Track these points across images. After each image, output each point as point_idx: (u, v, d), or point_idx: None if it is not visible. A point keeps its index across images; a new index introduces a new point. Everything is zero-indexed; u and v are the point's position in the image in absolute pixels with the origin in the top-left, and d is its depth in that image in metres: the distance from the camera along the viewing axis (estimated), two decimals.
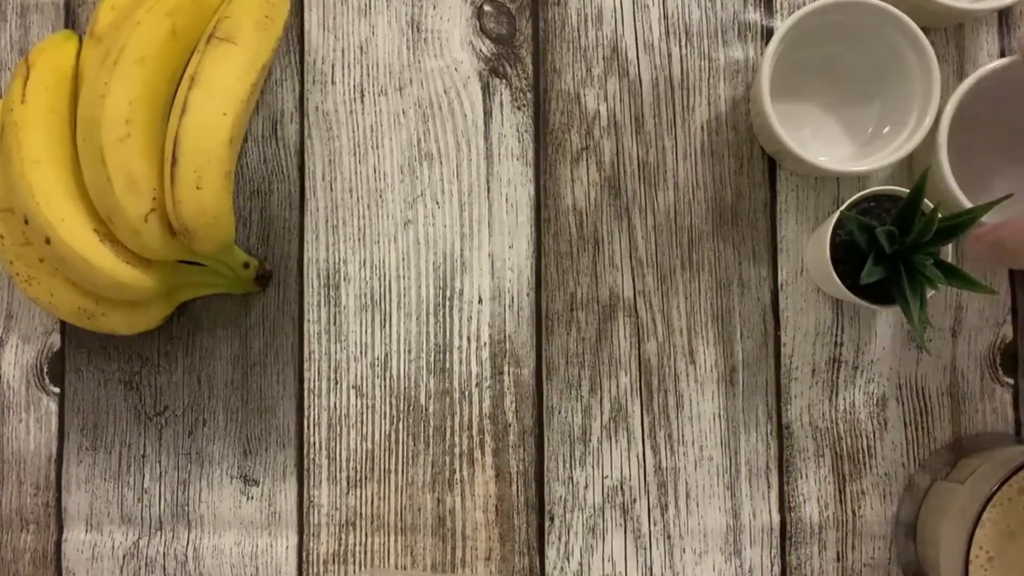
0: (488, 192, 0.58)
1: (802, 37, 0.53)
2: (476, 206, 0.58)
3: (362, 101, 0.59)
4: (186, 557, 0.57)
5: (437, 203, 0.58)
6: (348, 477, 0.57)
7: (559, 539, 0.56)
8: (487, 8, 0.59)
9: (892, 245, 0.49)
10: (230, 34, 0.52)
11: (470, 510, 0.57)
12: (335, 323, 0.58)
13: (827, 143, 0.57)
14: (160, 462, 0.58)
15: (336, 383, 0.58)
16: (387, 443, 0.57)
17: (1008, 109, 0.54)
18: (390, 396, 0.57)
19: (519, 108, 0.58)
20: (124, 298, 0.53)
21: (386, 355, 0.58)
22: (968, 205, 0.51)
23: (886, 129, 0.55)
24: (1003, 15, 0.58)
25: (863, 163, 0.52)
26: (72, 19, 0.60)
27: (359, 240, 0.58)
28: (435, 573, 0.57)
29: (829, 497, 0.56)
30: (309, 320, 0.58)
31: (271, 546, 0.57)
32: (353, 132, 0.59)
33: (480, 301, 0.58)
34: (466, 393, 0.57)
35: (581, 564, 0.56)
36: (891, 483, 0.56)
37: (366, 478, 0.57)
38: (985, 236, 0.47)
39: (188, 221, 0.50)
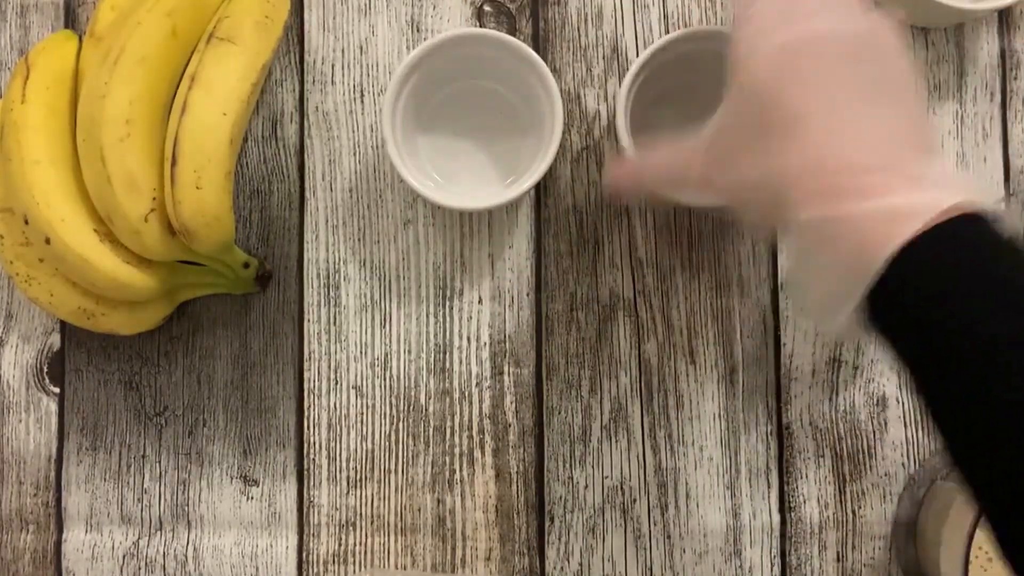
0: None
1: (659, 70, 0.52)
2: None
3: (362, 101, 0.59)
4: (186, 557, 0.57)
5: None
6: (348, 477, 0.57)
7: (559, 539, 0.56)
8: (487, 8, 0.59)
9: None
10: (230, 34, 0.52)
11: (470, 510, 0.57)
12: (335, 323, 0.58)
13: None
14: (160, 462, 0.58)
15: (336, 383, 0.58)
16: (387, 443, 0.57)
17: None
18: (390, 396, 0.57)
19: None
20: (124, 298, 0.53)
21: (386, 355, 0.58)
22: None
23: None
24: (1003, 15, 0.58)
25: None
26: (72, 19, 0.60)
27: (359, 240, 0.58)
28: (435, 573, 0.57)
29: (829, 497, 0.56)
30: (309, 320, 0.58)
31: (271, 546, 0.57)
32: (353, 132, 0.59)
33: (480, 301, 0.58)
34: (466, 393, 0.57)
35: (581, 564, 0.56)
36: (891, 483, 0.56)
37: (366, 478, 0.57)
38: (625, 171, 0.49)
39: (188, 221, 0.50)
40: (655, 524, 0.56)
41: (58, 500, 0.58)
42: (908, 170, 0.35)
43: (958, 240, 0.34)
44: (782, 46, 0.38)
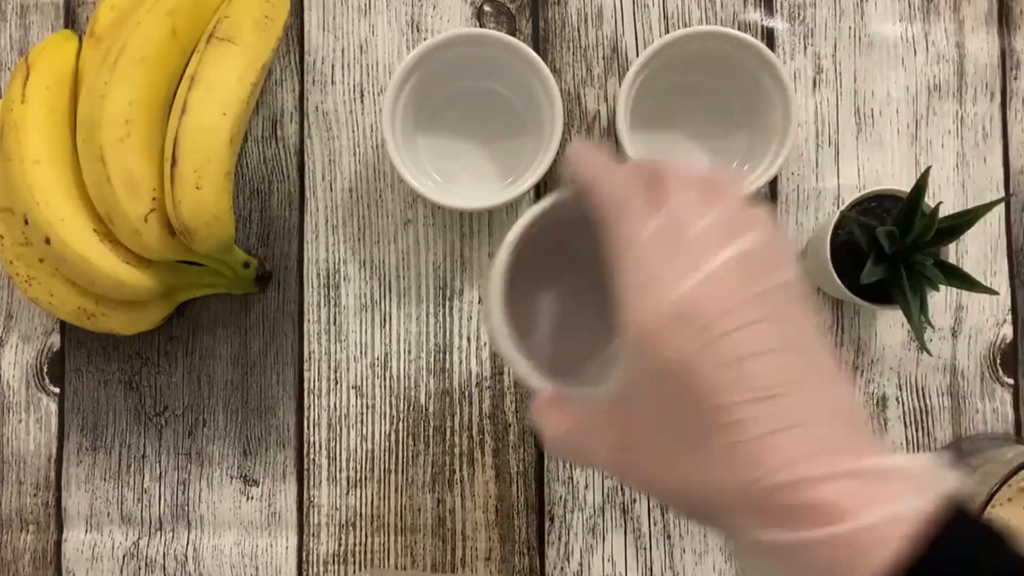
0: None
1: (659, 70, 0.53)
2: None
3: (362, 101, 0.59)
4: (186, 557, 0.57)
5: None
6: (348, 477, 0.57)
7: (559, 539, 0.56)
8: (487, 8, 0.59)
9: (892, 245, 0.49)
10: (230, 34, 0.52)
11: (470, 510, 0.57)
12: (335, 323, 0.58)
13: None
14: (160, 462, 0.58)
15: (336, 383, 0.58)
16: (387, 443, 0.57)
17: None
18: (390, 396, 0.57)
19: None
20: (124, 298, 0.53)
21: (386, 355, 0.58)
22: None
23: (750, 160, 0.55)
24: (1003, 15, 0.58)
25: None
26: (72, 19, 0.60)
27: (359, 240, 0.58)
28: (435, 573, 0.57)
29: None
30: (309, 320, 0.58)
31: (271, 546, 0.57)
32: (353, 132, 0.59)
33: (480, 301, 0.58)
34: (466, 393, 0.57)
35: (581, 564, 0.56)
36: None
37: (366, 478, 0.57)
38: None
39: (188, 221, 0.50)
40: (655, 524, 0.56)
41: (58, 500, 0.58)
42: (866, 463, 0.28)
43: (951, 553, 0.27)
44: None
